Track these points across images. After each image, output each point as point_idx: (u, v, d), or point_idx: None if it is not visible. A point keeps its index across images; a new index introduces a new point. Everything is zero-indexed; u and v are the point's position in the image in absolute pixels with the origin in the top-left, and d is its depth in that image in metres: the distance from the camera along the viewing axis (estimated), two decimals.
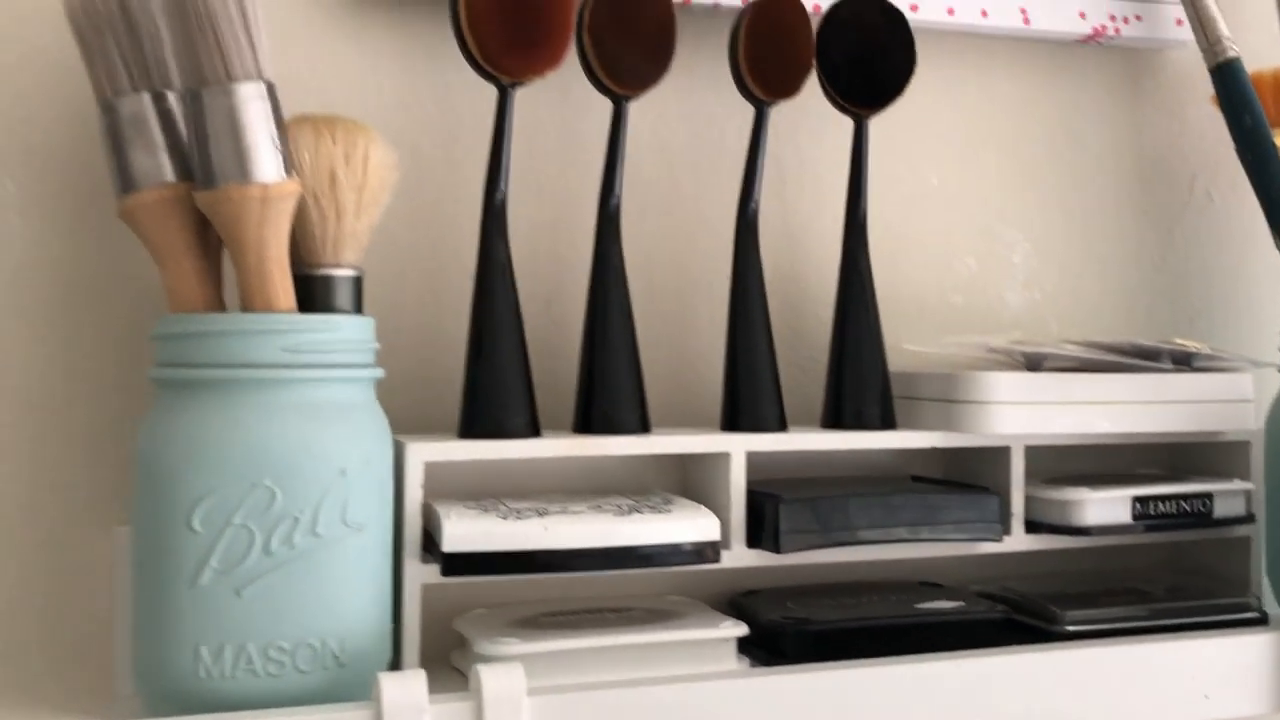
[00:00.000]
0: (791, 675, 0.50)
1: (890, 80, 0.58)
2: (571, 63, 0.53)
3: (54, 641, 0.52)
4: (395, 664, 0.49)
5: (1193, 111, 0.71)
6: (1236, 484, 0.61)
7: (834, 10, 0.58)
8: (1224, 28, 0.65)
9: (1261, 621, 0.59)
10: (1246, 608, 0.60)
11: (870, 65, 0.58)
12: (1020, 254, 0.68)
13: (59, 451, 0.52)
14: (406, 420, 0.56)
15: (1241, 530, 0.62)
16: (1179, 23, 0.68)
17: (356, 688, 0.45)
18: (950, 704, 0.51)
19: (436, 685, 0.47)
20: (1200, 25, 0.65)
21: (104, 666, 0.52)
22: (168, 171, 0.45)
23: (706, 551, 0.52)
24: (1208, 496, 0.60)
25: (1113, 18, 0.67)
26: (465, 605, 0.55)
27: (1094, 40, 0.68)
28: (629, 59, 0.54)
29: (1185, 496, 0.60)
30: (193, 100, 0.44)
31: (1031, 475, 0.61)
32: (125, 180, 0.45)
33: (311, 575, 0.44)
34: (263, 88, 0.44)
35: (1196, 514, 0.60)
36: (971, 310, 0.67)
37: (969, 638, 0.55)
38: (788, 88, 0.56)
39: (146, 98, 0.45)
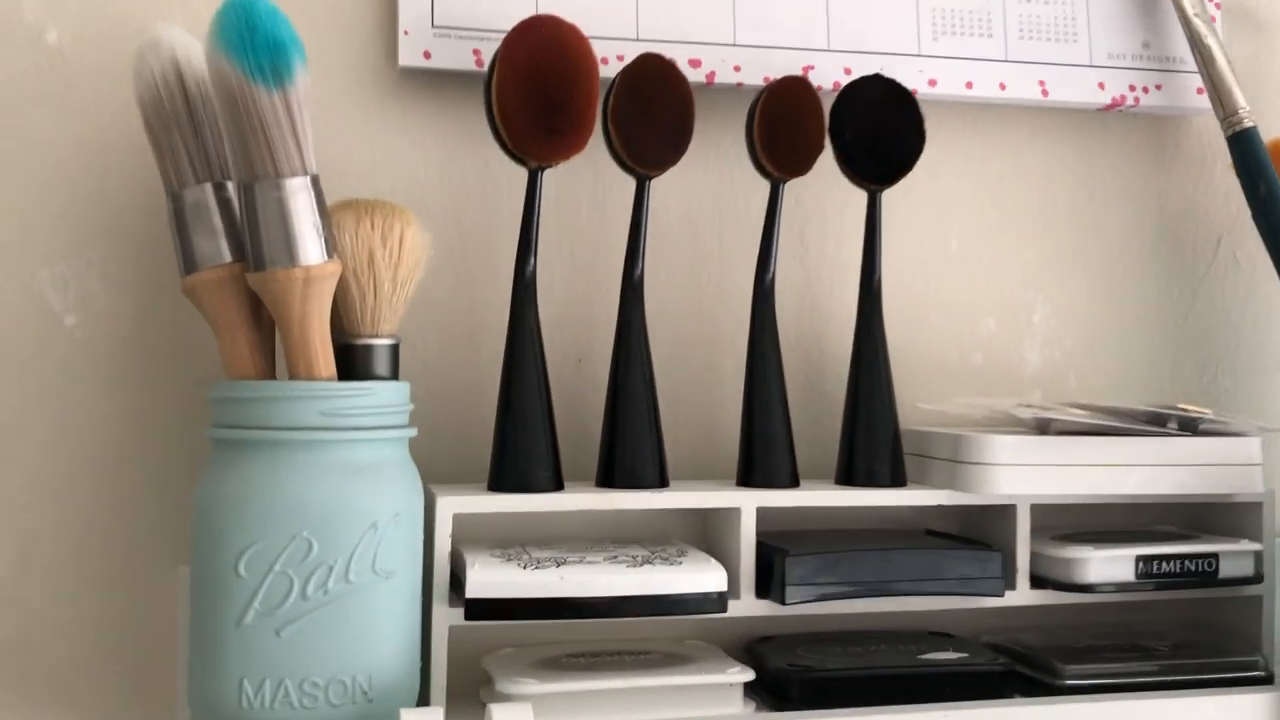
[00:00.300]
0: None
1: (900, 157, 0.61)
2: (602, 142, 0.58)
3: (124, 669, 0.58)
4: (423, 699, 0.54)
5: (1219, 175, 0.73)
6: (1244, 544, 0.63)
7: (847, 91, 0.61)
8: (1241, 98, 0.67)
9: (1267, 681, 0.60)
10: (1253, 666, 0.61)
11: (881, 143, 0.61)
12: (1040, 314, 0.70)
13: (134, 495, 0.58)
14: (445, 470, 0.61)
15: (1252, 590, 0.64)
16: (1200, 91, 0.70)
17: None
18: None
19: (461, 719, 0.52)
20: (1217, 96, 0.67)
21: (166, 692, 0.57)
22: (225, 253, 0.51)
23: (713, 601, 0.55)
24: (1213, 557, 0.62)
25: (1132, 87, 0.69)
26: (499, 643, 0.60)
27: (1114, 109, 0.70)
28: (649, 142, 0.58)
29: (1190, 556, 0.62)
30: (245, 192, 0.49)
31: (1046, 531, 0.63)
32: (188, 261, 0.51)
33: (344, 618, 0.49)
34: (308, 181, 0.49)
35: (1202, 573, 0.62)
36: (991, 369, 0.69)
37: (970, 688, 0.58)
38: (799, 166, 0.60)
39: (208, 188, 0.51)
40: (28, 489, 0.57)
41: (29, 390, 0.57)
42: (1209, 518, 0.67)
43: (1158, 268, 0.72)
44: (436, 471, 0.60)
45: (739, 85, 0.64)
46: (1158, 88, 0.70)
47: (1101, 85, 0.69)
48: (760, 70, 0.64)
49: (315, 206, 0.49)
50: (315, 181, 0.50)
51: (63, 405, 0.58)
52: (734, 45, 0.64)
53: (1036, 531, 0.63)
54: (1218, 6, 0.71)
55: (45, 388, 0.58)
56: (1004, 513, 0.62)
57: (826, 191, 0.67)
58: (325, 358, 0.50)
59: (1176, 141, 0.73)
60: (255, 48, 0.47)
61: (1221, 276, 0.73)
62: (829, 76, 0.64)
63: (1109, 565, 0.61)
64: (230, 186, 0.51)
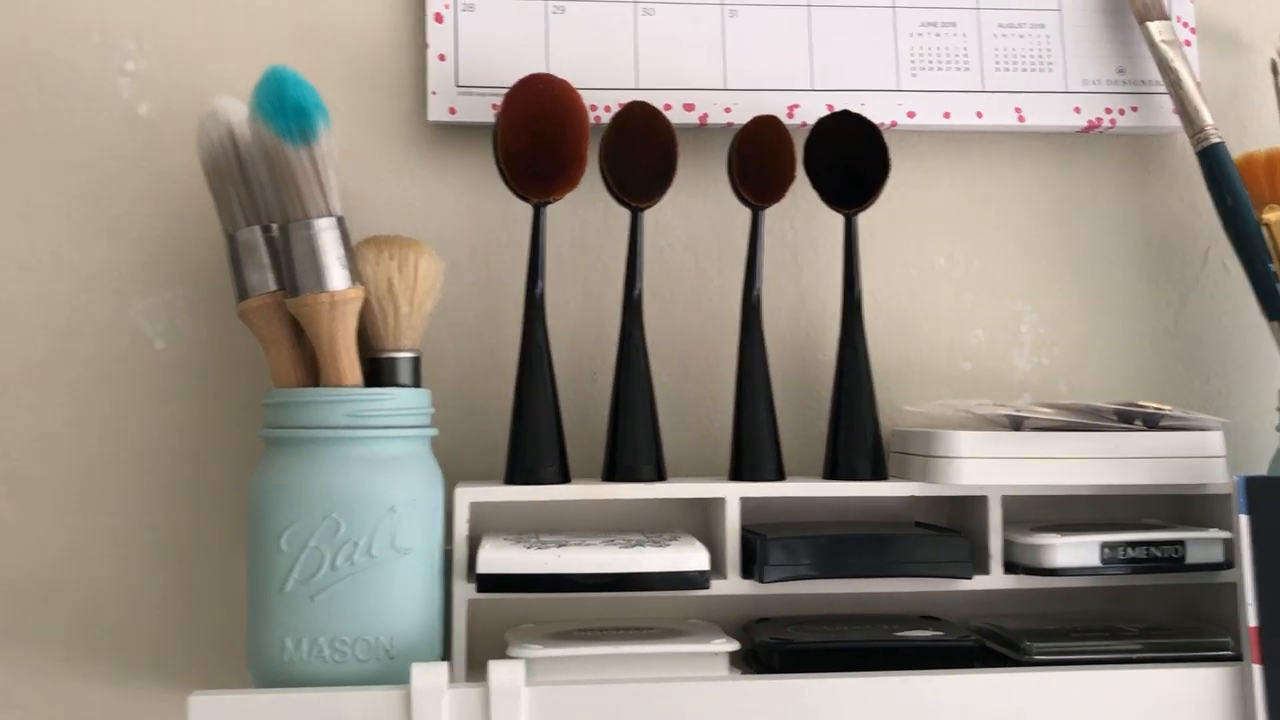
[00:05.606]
0: (748, 682, 0.59)
1: (869, 184, 0.68)
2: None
3: (200, 633, 0.69)
4: (446, 660, 0.63)
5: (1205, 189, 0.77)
6: (1213, 533, 0.67)
7: (818, 126, 0.69)
8: (1207, 116, 0.72)
9: (1234, 659, 0.64)
10: (1223, 647, 0.65)
11: (850, 172, 0.68)
12: (1027, 324, 0.76)
13: (208, 485, 0.69)
14: (476, 468, 0.70)
15: (1227, 577, 0.67)
16: (1175, 111, 0.74)
17: (402, 675, 0.59)
18: (899, 714, 0.59)
19: (480, 678, 0.60)
20: (1185, 114, 0.72)
21: (232, 651, 0.68)
22: (271, 283, 0.61)
23: (695, 579, 0.62)
24: (1179, 543, 0.66)
25: (1108, 110, 0.74)
26: (527, 620, 0.68)
27: (1092, 131, 0.75)
28: (637, 178, 0.66)
29: (1155, 543, 0.66)
30: (282, 232, 0.59)
31: (1030, 524, 0.68)
32: (241, 290, 0.61)
33: (368, 586, 0.58)
34: (333, 221, 0.59)
35: (1169, 559, 0.66)
36: (981, 375, 0.75)
37: (939, 662, 0.63)
38: (773, 195, 0.67)
39: (257, 230, 0.61)
40: (121, 482, 0.69)
41: (127, 401, 0.69)
42: (1192, 510, 0.71)
43: (1145, 277, 0.77)
44: (466, 469, 0.70)
45: (729, 125, 0.72)
46: (1134, 109, 0.75)
47: (1077, 109, 0.74)
48: (749, 111, 0.71)
49: (340, 241, 0.59)
50: (340, 222, 0.60)
51: (152, 413, 0.69)
52: (724, 90, 0.72)
53: (1019, 524, 0.68)
54: (1192, 31, 0.76)
55: (139, 399, 0.69)
56: (978, 504, 0.67)
57: (816, 218, 0.74)
58: (351, 368, 0.60)
59: (1162, 159, 0.77)
60: (285, 113, 0.57)
61: (1211, 285, 0.77)
62: (813, 114, 0.72)
63: (1075, 551, 0.66)
64: (275, 228, 0.62)
